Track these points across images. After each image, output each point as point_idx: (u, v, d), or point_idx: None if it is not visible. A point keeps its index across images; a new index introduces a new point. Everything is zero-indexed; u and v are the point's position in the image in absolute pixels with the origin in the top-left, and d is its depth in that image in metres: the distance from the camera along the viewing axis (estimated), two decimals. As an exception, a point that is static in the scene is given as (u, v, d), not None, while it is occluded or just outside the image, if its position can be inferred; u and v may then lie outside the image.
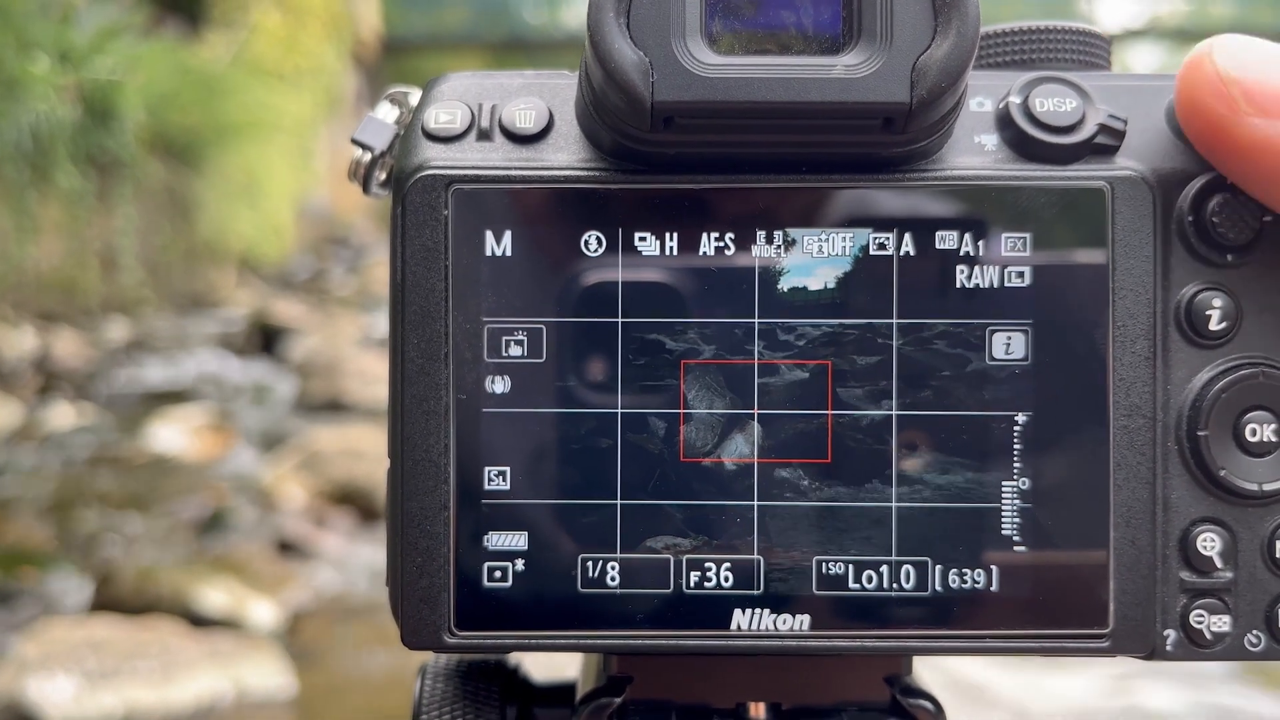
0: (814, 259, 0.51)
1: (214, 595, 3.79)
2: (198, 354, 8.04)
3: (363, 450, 5.12)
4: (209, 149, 9.90)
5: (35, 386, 6.75)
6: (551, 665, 0.62)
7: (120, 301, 8.48)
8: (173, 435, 5.91)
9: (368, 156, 0.55)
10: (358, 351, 7.40)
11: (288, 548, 4.44)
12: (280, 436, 5.90)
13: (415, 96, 0.55)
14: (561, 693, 0.61)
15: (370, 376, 6.62)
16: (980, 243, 0.51)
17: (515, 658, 0.61)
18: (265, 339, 8.33)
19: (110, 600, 3.80)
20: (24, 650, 3.23)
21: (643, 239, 0.51)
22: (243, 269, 10.98)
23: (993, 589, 0.50)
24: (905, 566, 0.51)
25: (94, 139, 7.64)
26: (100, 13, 8.48)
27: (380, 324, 8.74)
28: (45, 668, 3.12)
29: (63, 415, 6.30)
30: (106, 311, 8.33)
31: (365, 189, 0.56)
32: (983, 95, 0.52)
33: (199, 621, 3.62)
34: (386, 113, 0.56)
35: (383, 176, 0.56)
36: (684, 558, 0.51)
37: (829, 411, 0.51)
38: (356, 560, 4.38)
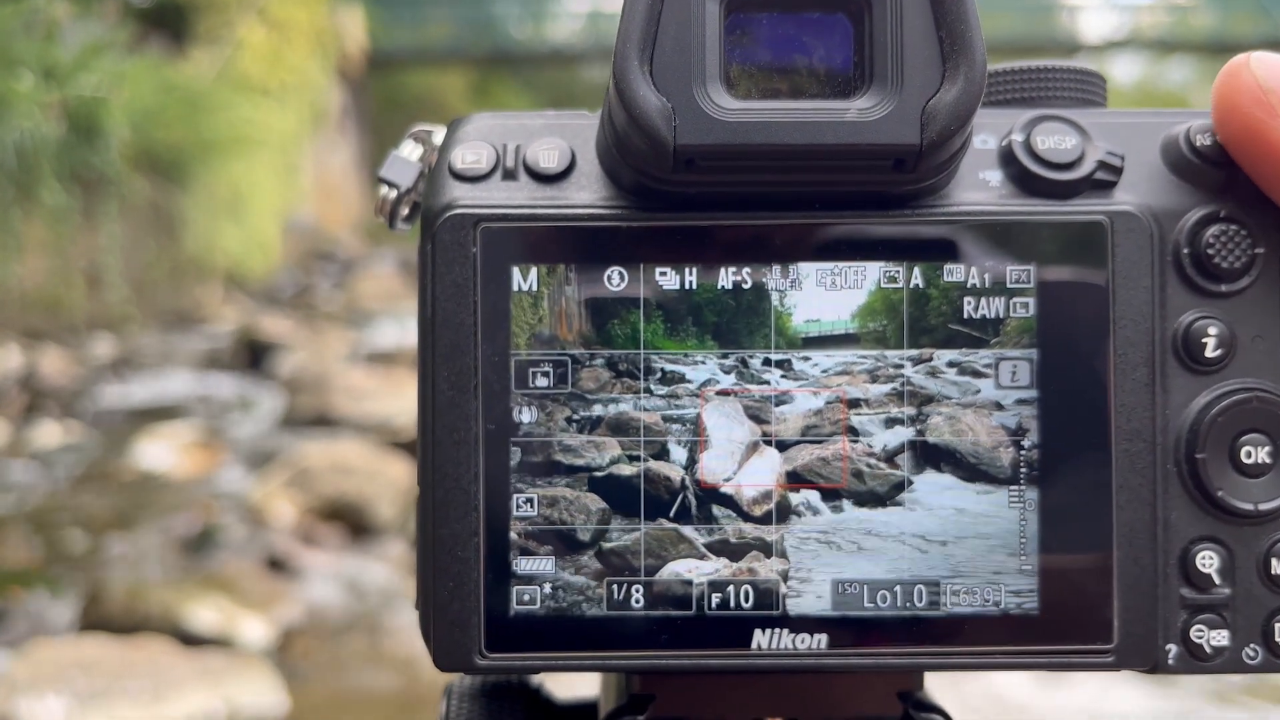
0: (828, 291, 0.53)
1: (204, 613, 3.78)
2: (184, 370, 8.01)
3: (352, 466, 5.11)
4: (194, 165, 9.88)
5: (21, 405, 6.72)
6: (572, 683, 0.64)
7: (106, 319, 8.45)
8: (160, 452, 5.89)
9: (393, 193, 0.57)
10: (346, 367, 7.39)
11: (277, 565, 4.43)
12: (269, 453, 5.88)
13: (438, 135, 0.57)
14: (583, 711, 0.63)
15: (359, 392, 6.60)
16: (986, 275, 0.53)
17: (538, 677, 0.63)
18: (252, 355, 8.29)
19: (99, 619, 3.79)
20: (14, 671, 3.22)
21: (663, 274, 0.53)
22: (229, 285, 10.95)
23: (1002, 607, 0.53)
24: (918, 586, 0.53)
25: (79, 156, 7.62)
26: (84, 30, 8.47)
27: (367, 339, 8.73)
28: (35, 688, 3.11)
29: (49, 433, 6.27)
30: (92, 329, 8.30)
31: (391, 224, 0.58)
32: (987, 133, 0.54)
33: (189, 640, 3.61)
34: (410, 151, 0.57)
35: (406, 212, 0.57)
36: (706, 580, 0.52)
37: (843, 438, 0.53)
38: (346, 577, 4.38)
